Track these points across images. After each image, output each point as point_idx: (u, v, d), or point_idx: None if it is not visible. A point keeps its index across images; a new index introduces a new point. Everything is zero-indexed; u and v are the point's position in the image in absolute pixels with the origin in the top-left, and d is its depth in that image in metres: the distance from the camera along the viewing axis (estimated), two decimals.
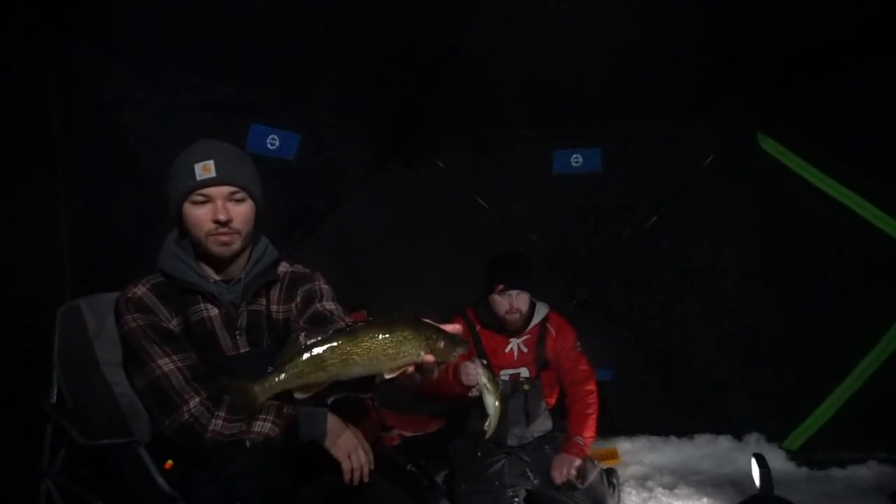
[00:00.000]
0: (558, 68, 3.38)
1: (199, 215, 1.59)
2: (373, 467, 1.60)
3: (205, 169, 1.57)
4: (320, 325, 1.63)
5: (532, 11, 3.14)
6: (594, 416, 2.71)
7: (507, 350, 2.73)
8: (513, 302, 2.66)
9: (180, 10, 2.39)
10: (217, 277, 1.69)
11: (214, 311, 1.66)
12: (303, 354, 1.23)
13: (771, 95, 3.44)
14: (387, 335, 1.21)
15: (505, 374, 2.71)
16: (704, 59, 3.26)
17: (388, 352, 1.21)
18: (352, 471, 1.56)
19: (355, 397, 2.44)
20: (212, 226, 1.58)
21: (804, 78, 3.20)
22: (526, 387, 2.65)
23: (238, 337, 1.68)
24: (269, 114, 3.06)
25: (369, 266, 3.73)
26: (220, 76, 2.80)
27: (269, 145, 3.08)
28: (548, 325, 2.79)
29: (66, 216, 2.28)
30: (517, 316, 2.68)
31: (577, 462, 2.50)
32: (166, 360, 1.54)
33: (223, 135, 2.93)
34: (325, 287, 1.83)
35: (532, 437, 2.68)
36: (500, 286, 2.66)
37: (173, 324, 1.61)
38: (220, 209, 1.58)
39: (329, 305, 1.77)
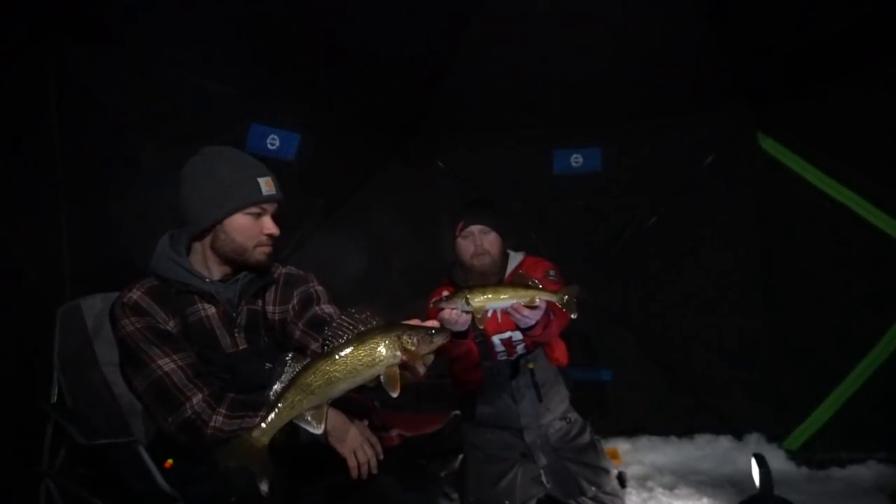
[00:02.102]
0: (558, 68, 3.38)
1: (254, 226, 1.67)
2: (381, 458, 1.61)
3: (268, 185, 1.68)
4: (320, 329, 1.68)
5: (532, 11, 3.14)
6: (560, 324, 2.35)
7: (489, 314, 2.38)
8: (476, 241, 2.43)
9: (180, 10, 2.39)
10: (215, 277, 1.72)
11: (212, 310, 1.70)
12: (290, 386, 1.29)
13: (771, 95, 3.44)
14: (359, 347, 1.29)
15: (498, 343, 2.54)
16: (705, 59, 3.26)
17: (365, 361, 1.29)
18: (358, 466, 1.58)
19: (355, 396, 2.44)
20: (263, 237, 1.68)
21: (804, 78, 3.19)
22: (531, 365, 2.48)
23: (237, 335, 1.71)
24: (269, 114, 3.06)
25: (369, 266, 3.73)
26: (220, 76, 2.80)
27: (269, 145, 3.08)
28: (521, 271, 2.44)
29: (66, 216, 2.28)
30: (486, 259, 2.42)
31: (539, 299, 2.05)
32: (167, 359, 1.56)
33: (223, 135, 2.96)
34: (320, 289, 1.86)
35: (548, 414, 2.52)
36: (460, 224, 2.45)
37: (171, 325, 1.63)
38: (272, 224, 1.70)
39: (327, 308, 1.79)
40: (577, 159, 3.83)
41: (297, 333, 1.76)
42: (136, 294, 1.64)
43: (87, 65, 2.37)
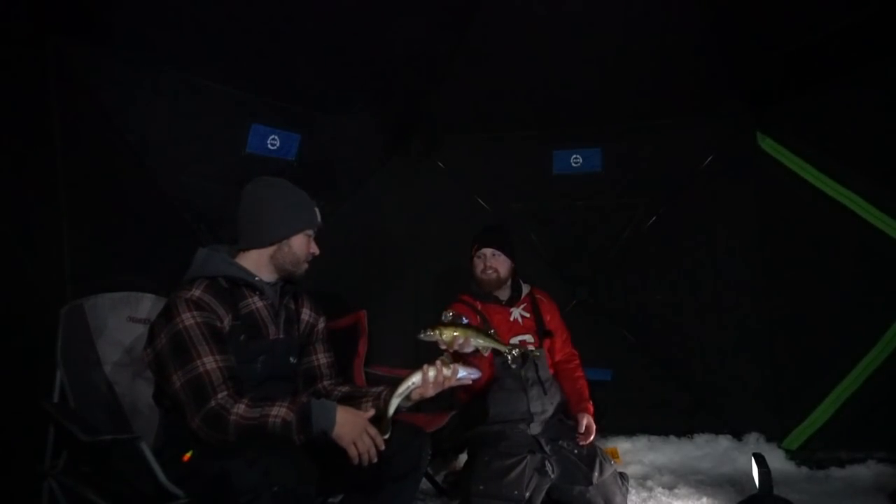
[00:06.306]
0: (559, 68, 3.38)
1: (308, 245, 2.01)
2: (381, 448, 1.72)
3: (320, 214, 2.03)
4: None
5: (532, 12, 3.14)
6: (587, 389, 2.87)
7: (511, 319, 2.84)
8: (486, 261, 2.82)
9: (180, 10, 2.40)
10: (263, 279, 1.96)
11: (260, 303, 1.94)
12: None
13: (771, 95, 3.44)
14: None
15: (515, 341, 2.77)
16: (704, 59, 3.27)
17: None
18: (359, 455, 1.69)
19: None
20: (310, 255, 2.02)
21: (804, 78, 3.20)
22: (536, 353, 2.69)
23: (278, 325, 1.98)
24: (269, 114, 3.07)
25: (369, 266, 3.73)
26: (220, 76, 2.80)
27: (269, 146, 3.08)
28: (536, 294, 2.97)
29: (66, 216, 2.29)
30: (493, 276, 2.81)
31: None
32: (210, 358, 1.72)
33: (223, 135, 2.96)
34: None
35: (551, 408, 2.72)
36: (475, 246, 2.87)
37: (227, 321, 1.82)
38: (316, 246, 2.03)
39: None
40: (576, 159, 3.83)
41: (321, 356, 2.12)
42: (197, 291, 1.81)
43: (87, 65, 2.38)
